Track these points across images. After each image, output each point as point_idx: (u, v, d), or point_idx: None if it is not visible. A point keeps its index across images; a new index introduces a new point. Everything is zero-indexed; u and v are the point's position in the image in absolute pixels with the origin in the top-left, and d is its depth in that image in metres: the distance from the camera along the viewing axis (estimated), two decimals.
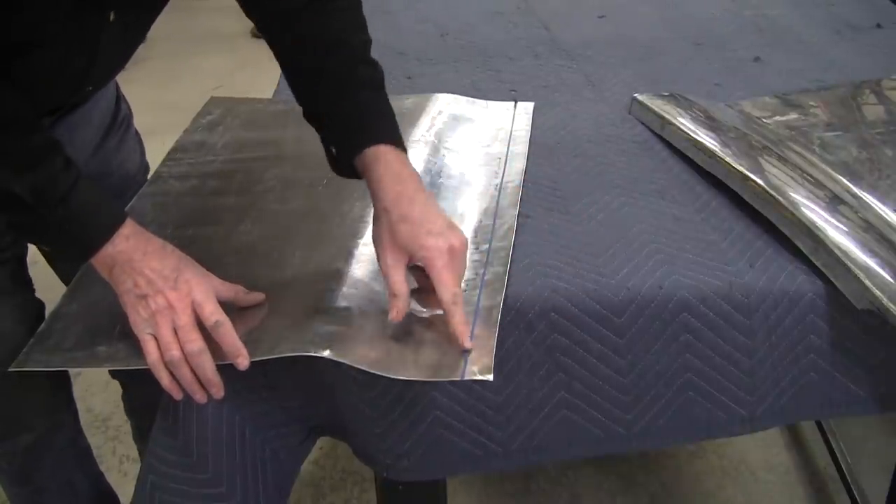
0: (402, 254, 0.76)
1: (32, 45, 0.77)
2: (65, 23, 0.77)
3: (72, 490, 1.15)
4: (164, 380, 0.75)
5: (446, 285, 0.74)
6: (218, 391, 0.76)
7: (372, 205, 0.80)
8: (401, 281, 0.76)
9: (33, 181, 0.73)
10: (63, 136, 0.94)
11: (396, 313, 0.75)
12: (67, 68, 0.84)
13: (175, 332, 0.74)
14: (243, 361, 0.74)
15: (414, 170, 0.81)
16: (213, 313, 0.75)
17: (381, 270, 0.77)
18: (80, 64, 0.85)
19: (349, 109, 0.83)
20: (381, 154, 0.80)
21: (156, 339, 0.74)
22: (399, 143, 0.81)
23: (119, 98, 1.10)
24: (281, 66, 0.91)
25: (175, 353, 0.74)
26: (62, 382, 1.10)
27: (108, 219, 0.77)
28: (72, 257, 0.81)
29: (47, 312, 0.88)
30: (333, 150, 0.84)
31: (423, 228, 0.76)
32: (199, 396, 0.76)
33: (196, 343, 0.74)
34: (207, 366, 0.74)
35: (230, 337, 0.74)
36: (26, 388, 1.03)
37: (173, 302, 0.74)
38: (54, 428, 1.10)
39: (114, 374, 1.28)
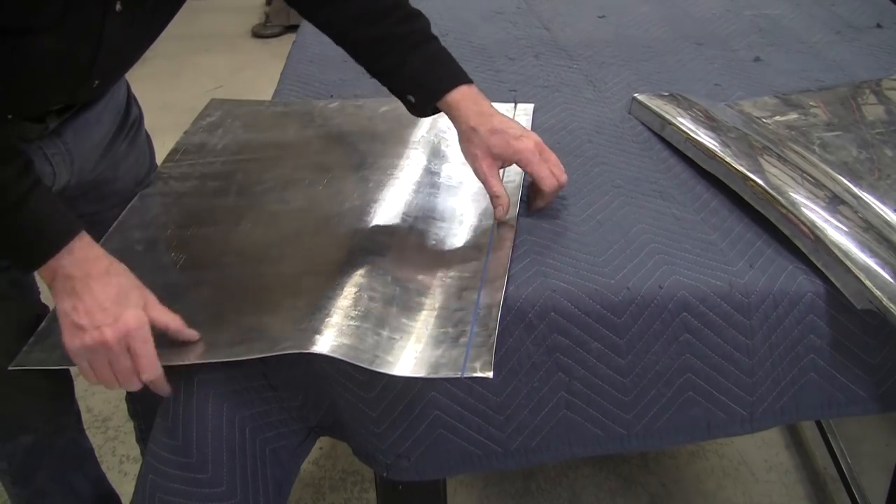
0: (496, 161, 0.89)
1: (33, 32, 0.76)
2: (66, 7, 0.76)
3: (73, 492, 1.15)
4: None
5: (547, 178, 0.88)
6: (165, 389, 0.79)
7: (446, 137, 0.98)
8: (499, 184, 0.89)
9: None
10: (71, 137, 0.95)
11: (502, 210, 0.88)
12: (71, 58, 0.83)
13: (111, 364, 0.76)
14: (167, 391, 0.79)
15: (480, 92, 0.92)
16: (150, 370, 0.76)
17: (480, 178, 0.90)
18: (85, 54, 0.83)
19: (418, 64, 0.93)
20: (459, 93, 0.91)
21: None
22: (465, 77, 0.93)
23: (130, 100, 1.09)
24: (336, 42, 0.99)
25: (110, 383, 0.77)
26: (64, 384, 1.10)
27: (56, 235, 0.76)
28: (14, 266, 0.81)
29: None
30: (412, 98, 0.94)
31: (508, 135, 0.88)
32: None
33: (135, 385, 0.77)
34: (139, 381, 0.77)
35: (162, 384, 0.78)
36: (28, 390, 1.03)
37: (110, 343, 0.74)
38: (56, 430, 1.10)
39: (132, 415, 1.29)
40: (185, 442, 0.80)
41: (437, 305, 0.79)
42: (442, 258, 0.87)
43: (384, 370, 0.73)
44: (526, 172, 0.91)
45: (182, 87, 3.31)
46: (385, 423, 0.81)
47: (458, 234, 0.91)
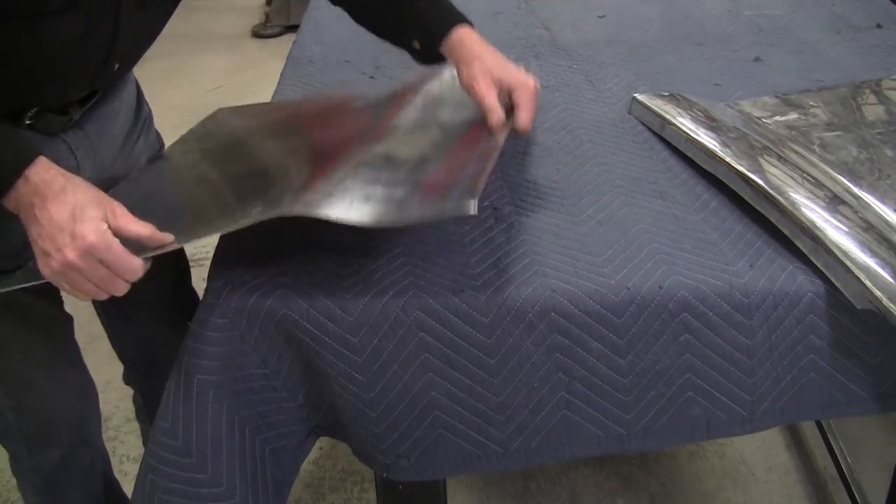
0: (494, 84, 0.92)
1: (49, 15, 0.76)
2: None
3: (93, 500, 1.16)
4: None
5: (526, 120, 0.91)
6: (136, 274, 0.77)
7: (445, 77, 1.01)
8: (495, 99, 0.91)
9: None
10: (93, 129, 0.95)
11: (498, 120, 0.90)
12: (90, 41, 0.83)
13: (87, 280, 0.75)
14: (168, 237, 0.78)
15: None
16: (122, 261, 0.75)
17: (476, 96, 0.92)
18: (104, 36, 0.84)
19: (422, 7, 0.97)
20: (461, 33, 0.95)
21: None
22: (467, 20, 0.96)
23: (141, 96, 1.09)
24: (342, 6, 1.03)
25: (98, 295, 0.76)
26: (92, 399, 1.11)
27: (9, 163, 0.75)
28: None
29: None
30: (416, 44, 0.97)
31: (511, 67, 0.93)
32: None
33: (122, 288, 0.76)
34: (125, 282, 0.76)
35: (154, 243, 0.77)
36: (59, 406, 1.04)
37: (74, 262, 0.73)
38: (81, 444, 1.10)
39: (128, 381, 1.29)
40: (184, 442, 0.80)
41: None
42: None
43: (390, 223, 0.75)
44: (512, 102, 0.93)
45: (182, 87, 3.31)
46: (385, 423, 0.81)
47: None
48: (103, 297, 0.77)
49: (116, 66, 0.90)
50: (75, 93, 0.90)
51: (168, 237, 0.78)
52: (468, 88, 0.93)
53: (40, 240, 0.74)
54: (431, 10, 0.97)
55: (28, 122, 0.86)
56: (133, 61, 0.97)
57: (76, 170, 0.94)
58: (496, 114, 0.91)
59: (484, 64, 0.92)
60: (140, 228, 0.76)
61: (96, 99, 0.95)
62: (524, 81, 0.92)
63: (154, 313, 1.15)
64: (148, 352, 1.19)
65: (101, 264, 0.74)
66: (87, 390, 1.10)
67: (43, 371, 1.01)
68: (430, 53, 0.97)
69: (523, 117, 0.91)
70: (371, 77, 1.26)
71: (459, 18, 0.96)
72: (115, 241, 0.74)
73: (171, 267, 1.15)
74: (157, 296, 1.12)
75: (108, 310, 1.16)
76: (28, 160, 0.75)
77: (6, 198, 0.75)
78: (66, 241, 0.73)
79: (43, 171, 0.76)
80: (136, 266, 0.75)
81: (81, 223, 0.74)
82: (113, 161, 1.02)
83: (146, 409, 1.31)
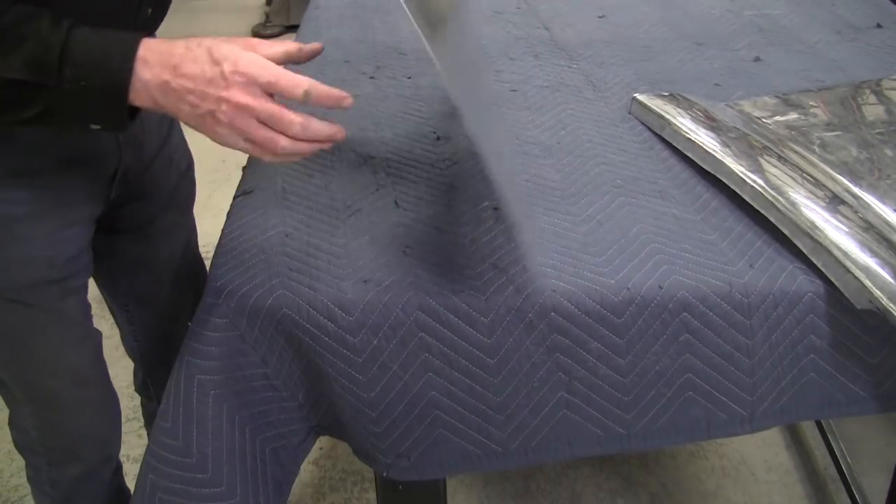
0: None
1: None
2: None
3: None
4: (297, 156, 0.72)
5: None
6: (339, 131, 0.71)
7: None
8: None
9: (24, 56, 0.67)
10: (135, 126, 0.93)
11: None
12: None
13: (266, 123, 0.69)
14: (349, 100, 0.71)
15: None
16: (293, 83, 0.69)
17: None
18: None
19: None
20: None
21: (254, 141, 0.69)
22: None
23: None
24: None
25: (284, 143, 0.69)
26: (116, 415, 1.11)
27: (120, 55, 0.69)
28: (113, 117, 0.71)
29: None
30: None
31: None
32: (328, 144, 0.72)
33: (297, 122, 0.69)
34: (320, 128, 0.70)
35: (325, 91, 0.70)
36: (85, 422, 1.04)
37: (240, 101, 0.68)
38: (103, 461, 1.10)
39: (139, 389, 1.29)
40: (185, 442, 0.80)
41: None
42: None
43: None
44: None
45: None
46: (385, 422, 0.81)
47: None
48: (284, 144, 0.70)
49: (149, 10, 0.87)
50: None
51: (316, 46, 0.73)
52: None
53: (197, 110, 0.68)
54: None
55: None
56: (164, 6, 0.92)
57: (117, 156, 0.93)
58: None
59: None
60: (284, 46, 0.71)
61: None
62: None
63: (173, 297, 1.15)
64: (165, 343, 1.19)
65: (267, 97, 0.68)
66: (112, 407, 1.09)
67: (72, 389, 1.00)
68: None
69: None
70: (371, 77, 1.26)
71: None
72: (269, 61, 0.69)
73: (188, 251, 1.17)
74: (171, 284, 1.14)
75: (127, 302, 1.15)
76: (138, 40, 0.70)
77: (134, 92, 0.69)
78: (222, 85, 0.68)
79: (155, 45, 0.70)
80: (320, 90, 0.69)
81: (227, 62, 0.68)
82: (151, 150, 1.01)
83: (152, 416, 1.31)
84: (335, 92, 0.71)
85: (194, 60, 0.69)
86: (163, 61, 0.69)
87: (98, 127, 0.72)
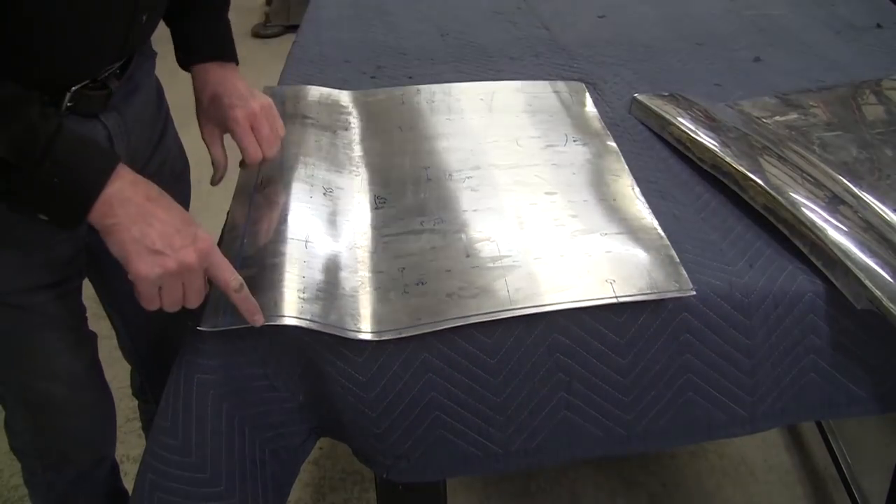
0: (217, 128, 0.96)
1: None
2: None
3: None
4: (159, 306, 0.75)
5: (249, 149, 0.91)
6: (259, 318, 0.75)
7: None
8: (218, 150, 0.95)
9: (10, 137, 0.67)
10: (127, 113, 0.94)
11: (216, 177, 0.95)
12: None
13: (184, 285, 0.73)
14: (260, 319, 0.74)
15: (234, 72, 1.00)
16: (235, 276, 0.73)
17: (206, 144, 0.96)
18: None
19: (188, 30, 1.00)
20: (209, 67, 0.98)
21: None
22: (224, 57, 1.00)
23: (160, 87, 1.09)
24: None
25: (177, 305, 0.75)
26: (111, 416, 1.11)
27: (101, 162, 0.71)
28: (66, 218, 0.72)
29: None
30: (177, 52, 1.01)
31: (223, 103, 0.93)
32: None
33: (198, 301, 0.75)
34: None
35: (250, 299, 0.74)
36: (77, 423, 1.04)
37: (194, 264, 0.71)
38: (98, 463, 1.10)
39: (137, 393, 1.29)
40: (184, 441, 0.80)
41: None
42: None
43: None
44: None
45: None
46: (385, 423, 0.81)
47: None
48: (177, 307, 0.75)
49: (144, 17, 0.87)
50: (108, 52, 0.86)
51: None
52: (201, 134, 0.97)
53: (148, 240, 0.71)
54: (199, 31, 1.00)
55: (69, 104, 0.83)
56: (159, 13, 0.94)
57: None
58: (217, 170, 0.95)
59: (203, 105, 0.96)
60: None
61: (131, 69, 0.94)
62: (231, 120, 0.92)
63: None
64: (161, 346, 1.18)
65: (200, 274, 0.73)
66: (107, 409, 1.09)
67: (66, 392, 1.00)
68: (184, 66, 1.01)
69: (248, 153, 0.91)
70: (372, 77, 1.26)
71: (217, 53, 0.99)
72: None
73: None
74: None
75: (122, 303, 1.15)
76: (116, 159, 0.72)
77: (100, 200, 0.71)
78: (188, 243, 0.71)
79: (131, 172, 0.73)
80: (247, 294, 0.74)
81: (196, 227, 0.73)
82: (144, 147, 1.01)
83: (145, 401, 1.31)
84: (254, 307, 0.75)
85: (168, 207, 0.73)
86: (138, 185, 0.73)
87: (46, 219, 0.73)
